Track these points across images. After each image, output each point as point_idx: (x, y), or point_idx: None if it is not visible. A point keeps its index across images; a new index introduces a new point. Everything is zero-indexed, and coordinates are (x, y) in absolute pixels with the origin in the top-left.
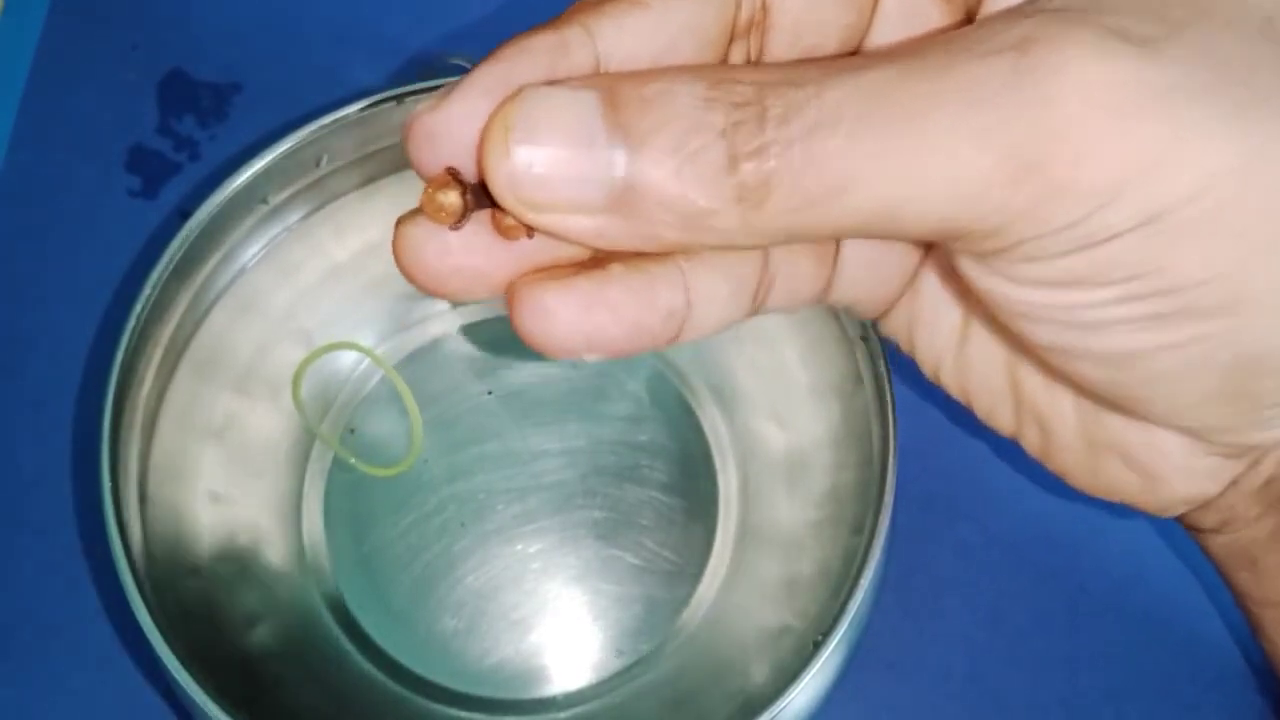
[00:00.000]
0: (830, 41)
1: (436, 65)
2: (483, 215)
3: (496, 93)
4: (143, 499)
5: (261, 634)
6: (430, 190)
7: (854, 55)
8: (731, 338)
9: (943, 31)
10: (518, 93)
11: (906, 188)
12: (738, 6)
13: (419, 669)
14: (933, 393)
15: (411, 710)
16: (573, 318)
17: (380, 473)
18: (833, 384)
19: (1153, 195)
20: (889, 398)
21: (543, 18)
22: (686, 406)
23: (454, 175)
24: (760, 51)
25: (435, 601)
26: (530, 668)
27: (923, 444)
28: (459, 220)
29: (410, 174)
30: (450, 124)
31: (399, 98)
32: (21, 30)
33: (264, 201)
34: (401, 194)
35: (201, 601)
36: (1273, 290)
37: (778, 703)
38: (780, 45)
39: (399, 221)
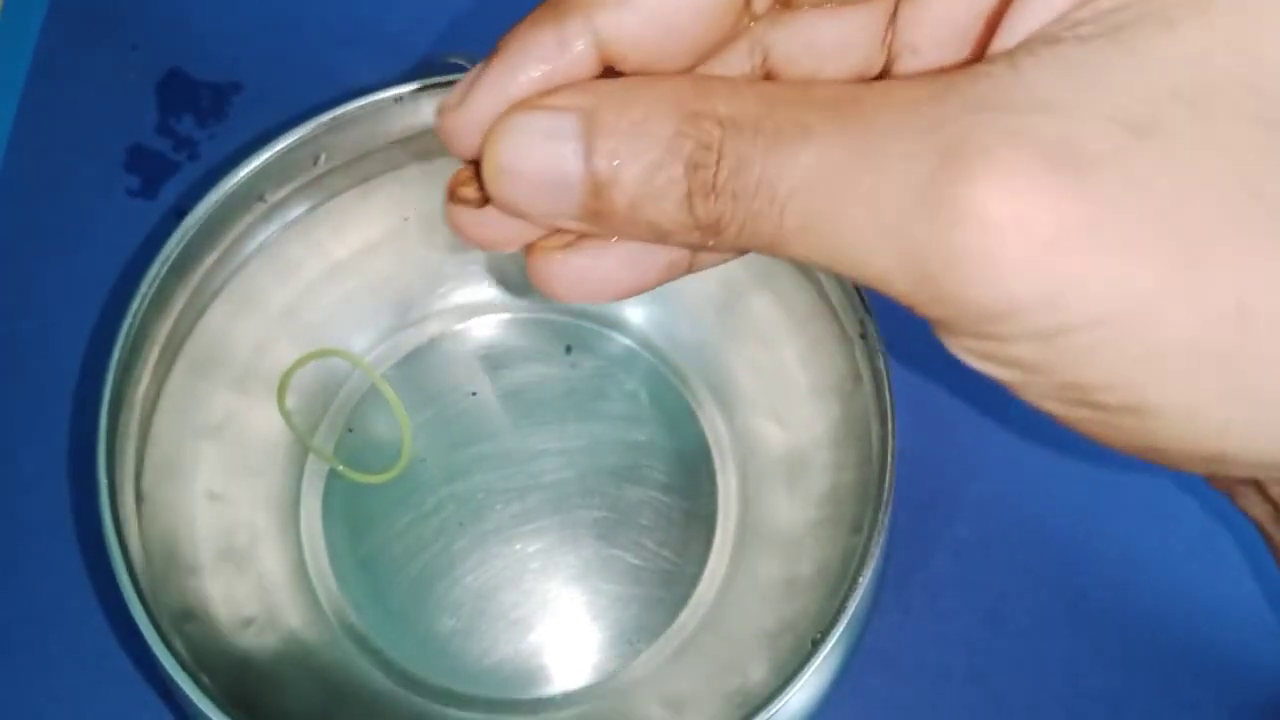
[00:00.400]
0: None
1: (436, 65)
2: None
3: (499, 99)
4: (140, 498)
5: (259, 633)
6: (452, 185)
7: (827, 86)
8: (731, 337)
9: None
10: (505, 117)
11: (832, 261)
12: None
13: (417, 669)
14: (933, 392)
15: (410, 710)
16: (578, 277)
17: (370, 479)
18: (832, 383)
19: (1044, 321)
20: (888, 397)
21: None
22: (686, 406)
23: (474, 168)
24: None
25: (434, 601)
26: (529, 667)
27: (922, 443)
28: (480, 206)
29: (407, 174)
30: (465, 127)
31: (398, 97)
32: (21, 30)
33: (262, 200)
34: (399, 193)
35: (199, 601)
36: (1185, 405)
37: (776, 701)
38: None
39: (445, 193)
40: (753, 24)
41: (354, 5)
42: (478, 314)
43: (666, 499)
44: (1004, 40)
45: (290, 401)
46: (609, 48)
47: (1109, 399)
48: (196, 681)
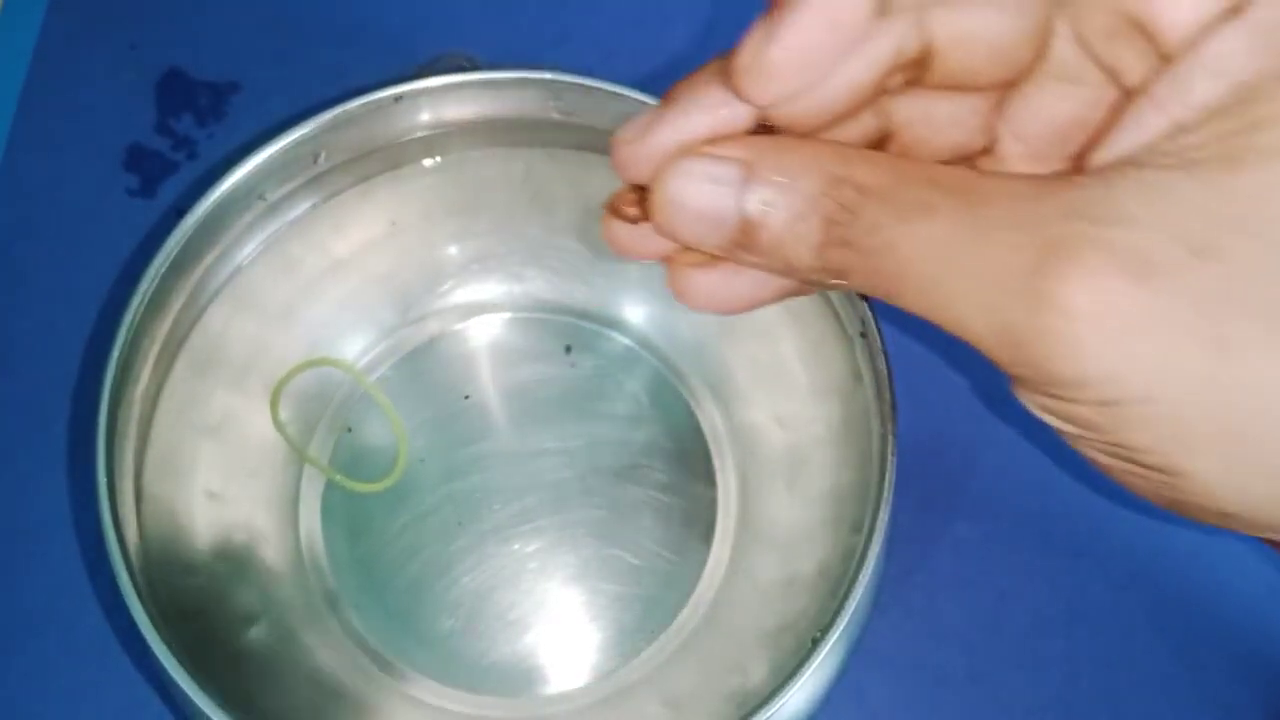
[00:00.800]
0: (983, 80)
1: (436, 64)
2: None
3: (670, 140)
4: (139, 497)
5: (258, 633)
6: (613, 202)
7: (949, 171)
8: (731, 336)
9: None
10: (678, 159)
11: (936, 316)
12: (898, 52)
13: (416, 669)
14: (933, 391)
15: (408, 710)
16: (709, 291)
17: (366, 488)
18: (832, 382)
19: (1107, 393)
20: (889, 396)
21: (540, 14)
22: (685, 405)
23: (637, 192)
24: (919, 79)
25: (432, 601)
26: (528, 667)
27: (922, 442)
28: (635, 223)
29: (406, 172)
30: (638, 159)
31: (397, 96)
32: (21, 30)
33: (262, 198)
34: (399, 192)
35: (198, 600)
36: (1208, 471)
37: (775, 701)
38: (936, 77)
39: (606, 208)
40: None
41: (353, 5)
42: (478, 313)
43: (666, 499)
44: (1101, 156)
45: (288, 403)
46: (767, 108)
47: (1147, 459)
48: (195, 680)
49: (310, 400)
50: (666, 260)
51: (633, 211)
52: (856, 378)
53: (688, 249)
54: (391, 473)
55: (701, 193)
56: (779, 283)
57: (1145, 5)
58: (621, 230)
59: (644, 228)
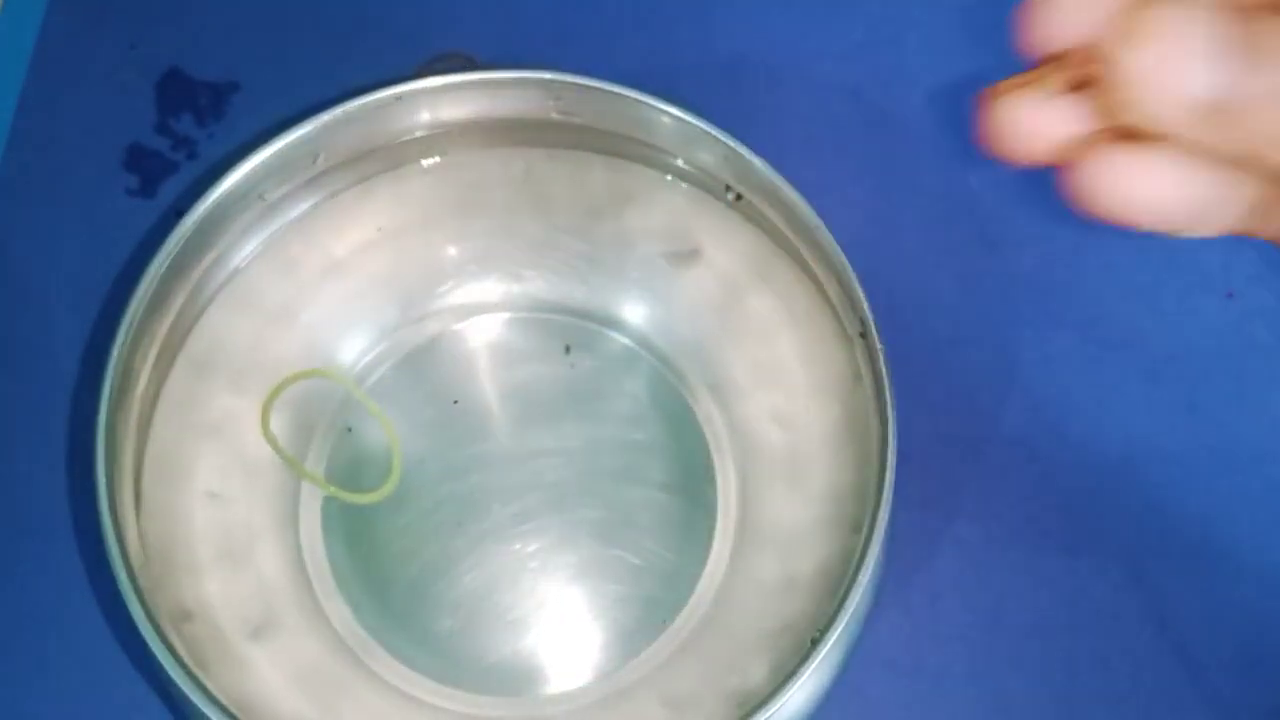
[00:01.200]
0: None
1: (436, 63)
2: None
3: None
4: (138, 497)
5: (257, 633)
6: (1038, 74)
7: None
8: (730, 336)
9: None
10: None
11: None
12: None
13: (416, 669)
14: (932, 391)
15: (408, 710)
16: (1131, 183)
17: (361, 499)
18: (832, 383)
19: None
20: (888, 397)
21: (540, 14)
22: (685, 405)
23: (1056, 62)
24: None
25: (432, 601)
26: (528, 667)
27: (922, 443)
28: (1056, 94)
29: (405, 172)
30: (1075, 17)
31: (397, 96)
32: (20, 30)
33: (261, 198)
34: (399, 192)
35: (197, 601)
36: None
37: (776, 701)
38: None
39: (999, 89)
40: None
41: (353, 4)
42: (477, 313)
43: (666, 499)
44: None
45: (287, 404)
46: None
47: None
48: (195, 681)
49: (309, 401)
50: (1076, 150)
51: (1062, 77)
52: (856, 378)
53: (1098, 136)
54: (387, 482)
55: (1184, 44)
56: (1215, 191)
57: None
58: (1020, 114)
59: (1044, 114)
